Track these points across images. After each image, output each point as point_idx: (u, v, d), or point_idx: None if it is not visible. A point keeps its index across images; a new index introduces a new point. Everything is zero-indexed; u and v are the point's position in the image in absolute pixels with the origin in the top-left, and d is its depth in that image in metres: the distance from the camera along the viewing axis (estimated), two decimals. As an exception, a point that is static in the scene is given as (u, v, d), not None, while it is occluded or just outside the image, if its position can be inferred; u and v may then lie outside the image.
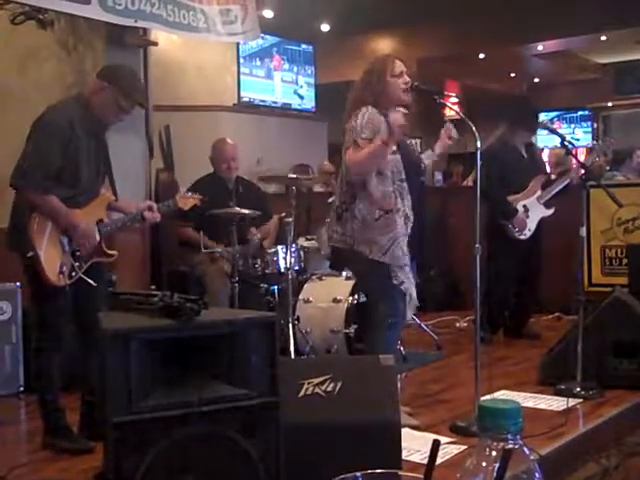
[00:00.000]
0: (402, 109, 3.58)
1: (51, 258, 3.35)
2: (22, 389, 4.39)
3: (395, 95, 3.61)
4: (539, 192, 5.53)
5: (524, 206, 5.48)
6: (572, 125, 15.48)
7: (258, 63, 7.94)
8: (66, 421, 3.47)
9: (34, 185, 3.32)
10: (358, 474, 0.98)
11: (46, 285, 3.35)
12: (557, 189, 5.50)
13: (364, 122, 3.50)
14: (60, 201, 3.36)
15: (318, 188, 7.15)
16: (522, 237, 5.47)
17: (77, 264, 3.44)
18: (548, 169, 8.06)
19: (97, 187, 3.57)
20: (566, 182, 5.47)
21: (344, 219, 3.62)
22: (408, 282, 3.57)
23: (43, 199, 3.33)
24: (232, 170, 5.38)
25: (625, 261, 5.75)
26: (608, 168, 7.40)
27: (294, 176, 5.14)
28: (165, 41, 6.56)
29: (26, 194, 3.36)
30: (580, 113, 15.43)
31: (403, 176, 3.56)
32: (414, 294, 3.64)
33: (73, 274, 3.42)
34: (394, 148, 3.52)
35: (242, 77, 7.70)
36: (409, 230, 3.58)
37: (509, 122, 5.65)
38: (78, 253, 3.44)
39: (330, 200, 4.80)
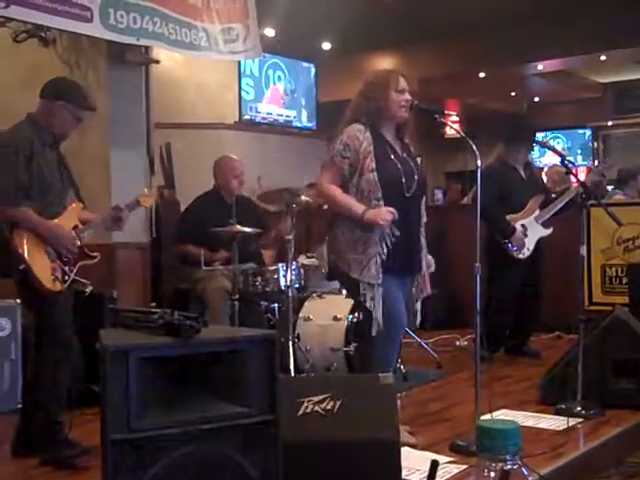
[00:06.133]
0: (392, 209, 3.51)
1: (42, 266, 3.42)
2: (20, 406, 4.37)
3: (393, 111, 3.61)
4: (537, 212, 5.52)
5: (522, 225, 5.46)
6: (572, 144, 15.52)
7: (260, 81, 7.98)
8: (66, 434, 3.46)
9: (4, 199, 3.37)
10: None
11: (44, 294, 3.40)
12: (556, 209, 5.49)
13: (344, 140, 3.55)
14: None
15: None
16: (521, 256, 5.45)
17: (67, 268, 3.52)
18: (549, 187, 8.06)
19: (65, 197, 3.65)
20: (566, 200, 5.46)
21: (330, 237, 3.67)
22: (376, 302, 3.50)
23: (17, 211, 3.38)
24: (240, 186, 5.39)
25: (625, 280, 5.75)
26: (611, 187, 7.39)
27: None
28: (167, 59, 6.59)
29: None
30: (580, 132, 15.48)
31: (379, 195, 3.51)
32: (394, 312, 3.57)
33: (66, 278, 3.51)
34: (373, 166, 3.52)
35: (243, 95, 7.74)
36: (388, 248, 3.52)
37: (506, 141, 5.67)
38: (65, 258, 3.52)
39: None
